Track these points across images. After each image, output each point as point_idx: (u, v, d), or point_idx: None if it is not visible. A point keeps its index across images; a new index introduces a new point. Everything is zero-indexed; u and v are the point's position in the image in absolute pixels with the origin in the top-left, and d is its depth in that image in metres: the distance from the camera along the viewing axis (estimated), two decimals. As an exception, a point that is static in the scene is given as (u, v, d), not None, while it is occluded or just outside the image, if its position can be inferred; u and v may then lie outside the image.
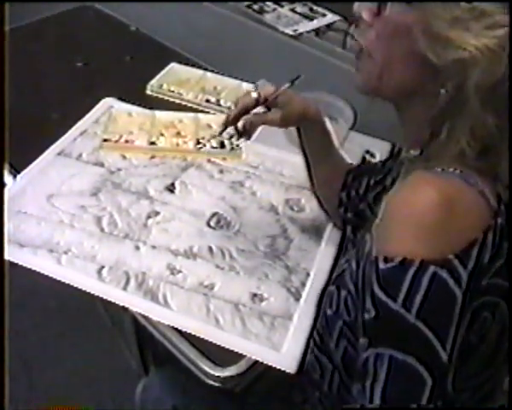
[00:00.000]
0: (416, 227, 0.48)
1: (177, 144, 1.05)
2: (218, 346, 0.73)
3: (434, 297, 0.47)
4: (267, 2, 1.56)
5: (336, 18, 1.48)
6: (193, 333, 0.74)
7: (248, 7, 1.52)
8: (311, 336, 0.74)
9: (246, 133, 0.76)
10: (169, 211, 0.92)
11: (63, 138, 1.05)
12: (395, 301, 0.48)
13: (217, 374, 0.71)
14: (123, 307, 0.77)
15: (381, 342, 0.49)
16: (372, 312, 0.50)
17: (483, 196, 0.50)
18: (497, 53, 0.48)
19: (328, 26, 1.46)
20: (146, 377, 0.97)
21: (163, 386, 0.89)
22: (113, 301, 0.77)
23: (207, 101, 1.20)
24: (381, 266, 0.49)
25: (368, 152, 1.08)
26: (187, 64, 1.32)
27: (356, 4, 0.57)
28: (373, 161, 1.06)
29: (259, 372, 0.74)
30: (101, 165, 1.00)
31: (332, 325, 0.61)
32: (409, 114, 0.60)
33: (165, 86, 1.23)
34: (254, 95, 0.75)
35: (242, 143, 1.06)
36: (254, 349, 0.73)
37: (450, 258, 0.47)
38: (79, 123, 1.10)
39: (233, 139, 1.07)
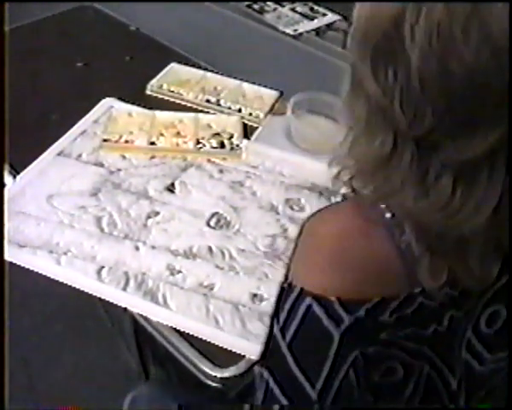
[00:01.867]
0: (316, 257, 0.47)
1: (177, 144, 1.05)
2: (218, 346, 0.73)
3: (308, 332, 0.45)
4: (267, 2, 1.56)
5: (336, 18, 1.48)
6: (192, 333, 0.74)
7: (249, 7, 1.52)
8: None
9: None
10: (169, 211, 0.92)
11: (63, 138, 1.05)
12: (278, 322, 0.47)
13: (216, 375, 0.71)
14: (122, 307, 0.77)
15: (264, 363, 0.50)
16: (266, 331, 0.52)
17: (406, 256, 0.44)
18: None
19: (329, 26, 1.46)
20: (135, 388, 0.96)
21: (153, 398, 0.88)
22: (112, 301, 0.77)
23: (207, 101, 1.19)
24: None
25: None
26: (187, 64, 1.32)
27: None
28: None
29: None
30: (101, 165, 1.00)
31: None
32: None
33: (165, 86, 1.23)
34: None
35: (242, 143, 1.06)
36: (254, 350, 0.72)
37: (331, 298, 0.44)
38: (79, 123, 1.09)
39: (233, 139, 1.07)
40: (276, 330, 0.47)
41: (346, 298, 0.44)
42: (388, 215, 0.46)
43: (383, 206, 0.46)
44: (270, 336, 0.56)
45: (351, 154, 0.47)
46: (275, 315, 0.47)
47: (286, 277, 0.50)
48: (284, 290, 0.48)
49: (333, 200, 0.96)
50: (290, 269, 0.50)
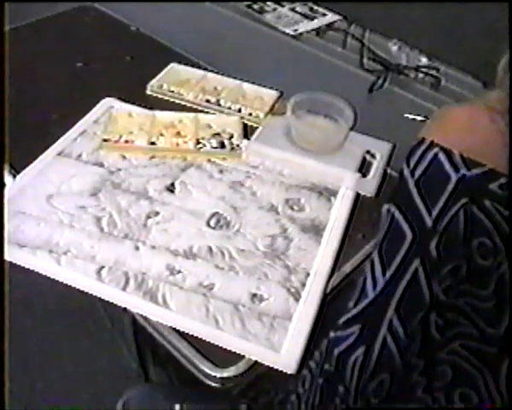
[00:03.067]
0: (440, 119, 0.58)
1: (177, 144, 1.05)
2: (218, 346, 0.73)
3: (432, 172, 0.56)
4: (267, 2, 1.56)
5: (336, 18, 1.48)
6: (192, 333, 0.74)
7: (249, 7, 1.52)
8: (311, 336, 0.74)
9: None
10: (169, 211, 0.92)
11: (63, 139, 1.05)
12: (408, 166, 0.57)
13: (216, 375, 0.71)
14: (122, 307, 0.77)
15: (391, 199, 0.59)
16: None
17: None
18: None
19: (329, 26, 1.46)
20: (127, 391, 0.95)
21: (144, 401, 0.89)
22: (112, 301, 0.77)
23: (207, 101, 1.19)
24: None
25: (368, 152, 1.08)
26: (187, 64, 1.32)
27: None
28: (373, 161, 1.06)
29: (259, 373, 0.74)
30: (101, 165, 1.00)
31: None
32: None
33: (165, 86, 1.23)
34: None
35: (242, 143, 1.06)
36: (254, 350, 0.73)
37: (454, 151, 0.55)
38: (79, 123, 1.10)
39: (233, 139, 1.07)
40: (406, 172, 0.57)
41: (467, 157, 0.54)
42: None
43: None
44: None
45: None
46: (407, 161, 0.58)
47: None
48: (416, 143, 0.58)
49: (333, 200, 0.96)
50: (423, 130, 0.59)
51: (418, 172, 0.56)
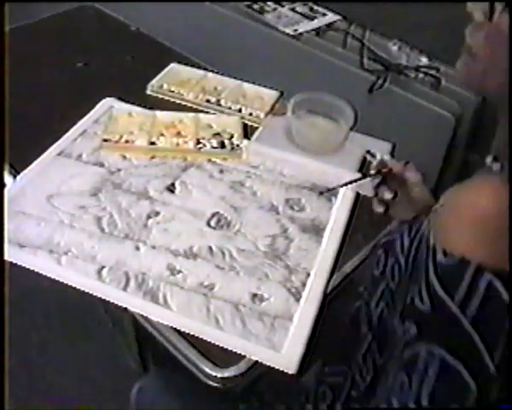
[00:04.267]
0: (478, 230, 0.48)
1: (178, 144, 1.05)
2: (218, 346, 0.73)
3: (489, 306, 0.47)
4: (267, 2, 1.56)
5: (336, 18, 1.48)
6: (193, 333, 0.74)
7: (249, 6, 1.52)
8: (311, 336, 0.74)
9: None
10: (169, 211, 0.92)
11: (63, 139, 1.05)
12: (453, 299, 0.49)
13: (217, 375, 0.71)
14: (123, 307, 0.77)
15: (435, 339, 0.49)
16: (427, 303, 0.50)
17: None
18: None
19: (329, 26, 1.45)
20: (142, 378, 0.96)
21: (159, 387, 0.89)
22: (112, 301, 0.77)
23: (208, 101, 1.19)
24: (440, 258, 0.50)
25: (368, 152, 1.08)
26: (187, 64, 1.32)
27: (469, 3, 0.57)
28: (374, 161, 1.06)
29: (259, 373, 0.74)
30: (101, 165, 1.00)
31: (375, 285, 0.64)
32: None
33: (165, 86, 1.23)
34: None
35: (242, 143, 1.06)
36: (254, 350, 0.73)
37: (504, 267, 0.47)
38: (79, 123, 1.10)
39: (233, 139, 1.07)
40: (453, 307, 0.48)
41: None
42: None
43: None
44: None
45: None
46: (448, 291, 0.49)
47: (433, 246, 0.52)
48: (450, 265, 0.49)
49: (333, 200, 0.96)
50: (443, 244, 0.51)
51: (473, 308, 0.48)
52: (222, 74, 1.29)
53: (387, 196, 0.79)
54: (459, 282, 0.48)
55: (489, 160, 0.60)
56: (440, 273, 0.50)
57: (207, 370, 0.72)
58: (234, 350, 0.72)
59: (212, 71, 1.30)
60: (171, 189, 0.97)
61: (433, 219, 0.55)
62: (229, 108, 1.18)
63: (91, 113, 1.13)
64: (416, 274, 0.54)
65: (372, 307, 0.64)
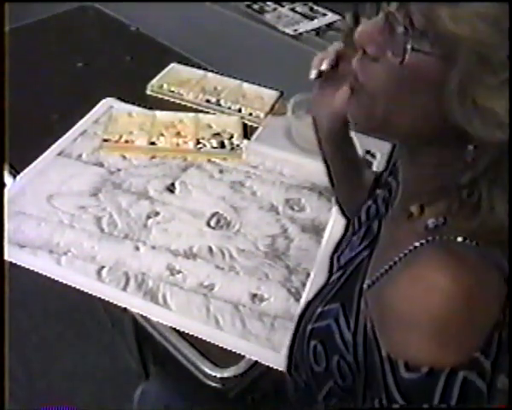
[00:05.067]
0: (439, 332, 0.42)
1: (178, 144, 1.05)
2: (218, 346, 0.73)
3: (465, 402, 0.42)
4: (267, 2, 1.56)
5: (336, 17, 1.48)
6: (192, 333, 0.74)
7: (248, 6, 1.52)
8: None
9: None
10: (169, 211, 0.92)
11: (63, 139, 1.05)
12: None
13: (216, 375, 0.71)
14: (122, 307, 0.77)
15: None
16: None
17: (500, 269, 0.43)
18: None
19: (329, 26, 1.45)
20: (145, 381, 0.96)
21: (162, 390, 0.88)
22: (112, 301, 0.77)
23: (207, 101, 1.19)
24: (403, 374, 0.43)
25: (368, 152, 1.08)
26: (187, 64, 1.32)
27: (358, 33, 0.45)
28: (374, 161, 1.06)
29: (259, 373, 0.74)
30: (101, 165, 1.00)
31: (320, 382, 0.55)
32: (418, 163, 0.49)
33: (165, 86, 1.23)
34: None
35: (242, 143, 1.06)
36: (254, 350, 0.72)
37: (476, 356, 0.42)
38: (79, 123, 1.10)
39: (233, 139, 1.07)
40: None
41: (483, 342, 0.43)
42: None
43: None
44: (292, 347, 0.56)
45: None
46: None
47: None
48: (416, 381, 0.43)
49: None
50: (402, 357, 0.43)
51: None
52: (222, 74, 1.29)
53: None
54: (430, 394, 0.42)
55: (414, 209, 0.50)
56: (405, 391, 0.43)
57: (207, 370, 0.72)
58: (233, 350, 0.72)
59: (212, 71, 1.30)
60: (170, 189, 0.97)
61: (378, 324, 0.46)
62: (229, 108, 1.18)
63: (91, 113, 1.13)
64: (371, 379, 0.47)
65: (319, 399, 0.56)
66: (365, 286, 0.50)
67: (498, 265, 0.43)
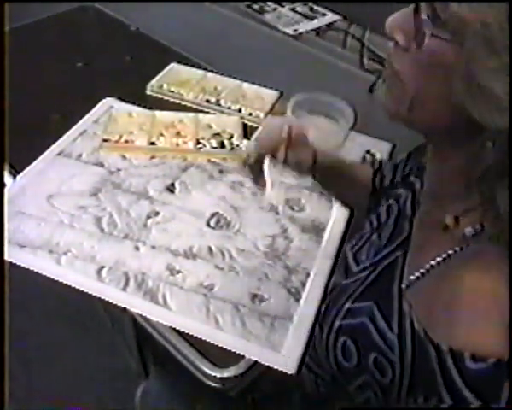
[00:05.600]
0: (507, 323, 0.42)
1: (177, 144, 1.05)
2: (218, 346, 0.73)
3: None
4: (267, 2, 1.56)
5: (336, 18, 1.48)
6: (192, 333, 0.74)
7: (248, 6, 1.52)
8: (311, 336, 0.74)
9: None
10: (169, 211, 0.92)
11: (63, 138, 1.05)
12: (499, 403, 0.43)
13: (216, 375, 0.71)
14: (122, 307, 0.77)
15: None
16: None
17: None
18: None
19: (329, 26, 1.46)
20: (146, 380, 0.96)
21: (162, 390, 0.88)
22: (112, 301, 0.77)
23: (207, 101, 1.19)
24: (470, 365, 0.44)
25: (368, 152, 1.08)
26: (187, 64, 1.32)
27: (388, 22, 0.48)
28: (375, 160, 1.06)
29: (259, 373, 0.74)
30: (101, 165, 1.00)
31: (350, 377, 0.55)
32: (444, 162, 0.51)
33: (165, 86, 1.23)
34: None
35: (242, 143, 1.06)
36: (254, 350, 0.72)
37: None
38: (79, 123, 1.10)
39: (233, 139, 1.07)
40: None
41: None
42: None
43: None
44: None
45: None
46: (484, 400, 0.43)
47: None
48: (484, 371, 0.43)
49: (333, 200, 0.96)
50: (468, 348, 0.44)
51: None
52: (222, 74, 1.29)
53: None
54: (499, 385, 0.42)
55: (449, 220, 0.51)
56: (472, 382, 0.44)
57: (207, 370, 0.72)
58: (233, 350, 0.72)
59: (212, 71, 1.30)
60: (170, 189, 0.97)
61: (433, 321, 0.47)
62: (229, 108, 1.18)
63: (91, 113, 1.13)
64: (419, 379, 0.48)
65: (351, 390, 0.56)
66: (403, 286, 0.50)
67: None
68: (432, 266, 0.48)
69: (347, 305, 0.56)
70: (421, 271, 0.49)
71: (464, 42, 0.40)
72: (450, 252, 0.48)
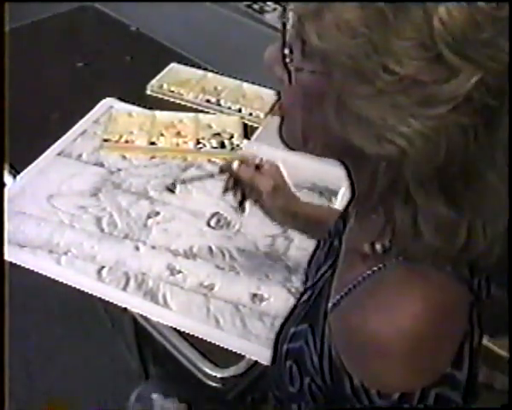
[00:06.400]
0: (411, 357, 0.41)
1: (177, 144, 1.05)
2: (218, 346, 0.73)
3: None
4: (267, 2, 1.56)
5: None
6: (192, 333, 0.74)
7: (248, 6, 1.52)
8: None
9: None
10: (169, 211, 0.92)
11: (63, 139, 1.05)
12: None
13: (217, 375, 0.71)
14: (122, 307, 0.77)
15: None
16: None
17: (459, 277, 0.43)
18: (433, 140, 0.35)
19: (329, 26, 1.46)
20: (145, 381, 0.96)
21: (162, 390, 0.88)
22: (112, 301, 0.77)
23: (207, 101, 1.19)
24: (376, 400, 0.43)
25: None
26: (187, 64, 1.32)
27: (264, 56, 0.47)
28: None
29: (259, 373, 0.74)
30: (101, 165, 1.00)
31: (294, 402, 0.55)
32: (354, 189, 0.51)
33: (165, 86, 1.23)
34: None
35: (242, 143, 1.06)
36: (254, 350, 0.72)
37: (447, 371, 0.42)
38: (79, 123, 1.10)
39: (233, 139, 1.07)
40: None
41: (454, 355, 0.43)
42: None
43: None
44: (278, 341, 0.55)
45: None
46: None
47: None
48: (389, 405, 0.42)
49: (333, 200, 0.96)
50: (374, 385, 0.43)
51: None
52: (222, 74, 1.29)
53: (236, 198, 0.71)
54: None
55: (366, 248, 0.48)
56: None
57: (207, 370, 0.72)
58: (234, 350, 0.72)
59: (212, 71, 1.30)
60: (171, 189, 0.97)
61: (345, 352, 0.45)
62: (229, 108, 1.18)
63: (91, 113, 1.13)
64: (342, 402, 0.46)
65: None
66: (329, 307, 0.49)
67: (456, 273, 0.43)
68: (353, 286, 0.47)
69: (292, 328, 0.55)
70: (341, 293, 0.48)
71: (332, 73, 0.38)
72: (365, 275, 0.46)
